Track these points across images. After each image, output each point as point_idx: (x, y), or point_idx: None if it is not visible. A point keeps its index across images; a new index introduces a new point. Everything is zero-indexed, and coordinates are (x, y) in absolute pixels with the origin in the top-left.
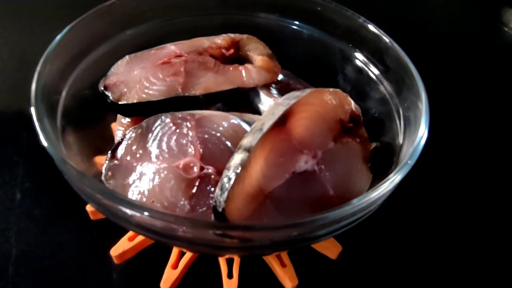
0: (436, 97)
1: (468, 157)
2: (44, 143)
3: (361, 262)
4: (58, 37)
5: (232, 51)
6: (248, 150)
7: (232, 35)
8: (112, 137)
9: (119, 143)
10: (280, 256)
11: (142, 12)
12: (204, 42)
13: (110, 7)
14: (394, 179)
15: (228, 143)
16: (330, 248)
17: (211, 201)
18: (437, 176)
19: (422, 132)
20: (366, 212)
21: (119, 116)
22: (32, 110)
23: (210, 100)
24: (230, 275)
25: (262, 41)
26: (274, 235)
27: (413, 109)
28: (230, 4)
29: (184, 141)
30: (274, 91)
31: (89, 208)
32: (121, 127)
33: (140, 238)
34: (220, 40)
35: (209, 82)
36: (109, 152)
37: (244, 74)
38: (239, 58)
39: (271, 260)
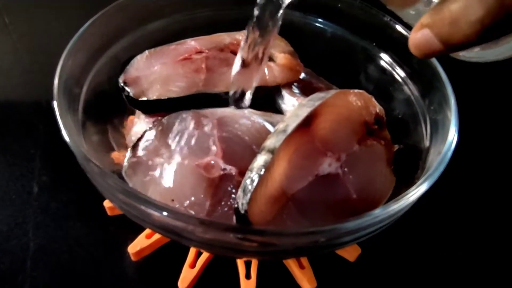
0: (461, 99)
1: (496, 162)
2: (67, 139)
3: (380, 265)
4: (80, 31)
5: None
6: (272, 151)
7: None
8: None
9: (140, 139)
10: (299, 258)
11: (161, 7)
12: (225, 38)
13: (130, 1)
14: (424, 185)
15: (251, 143)
16: (349, 251)
17: (232, 202)
18: (463, 181)
19: (452, 137)
20: (393, 219)
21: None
22: (55, 105)
23: None
24: (248, 276)
25: (283, 38)
26: (296, 241)
27: (441, 112)
28: None
29: (206, 140)
30: (296, 90)
31: (106, 203)
32: (140, 121)
33: (157, 235)
34: (241, 36)
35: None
36: (130, 148)
37: (266, 72)
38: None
39: (290, 262)
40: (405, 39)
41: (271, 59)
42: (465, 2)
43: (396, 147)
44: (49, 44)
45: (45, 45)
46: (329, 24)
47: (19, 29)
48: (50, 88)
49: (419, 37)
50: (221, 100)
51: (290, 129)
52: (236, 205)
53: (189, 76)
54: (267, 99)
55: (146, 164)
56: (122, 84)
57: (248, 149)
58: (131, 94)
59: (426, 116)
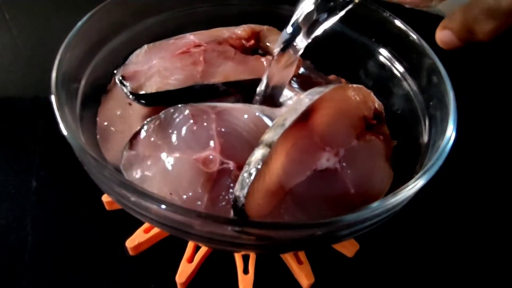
0: (460, 95)
1: (494, 157)
2: (64, 132)
3: (378, 261)
4: (79, 24)
5: (252, 42)
6: (270, 145)
7: (252, 25)
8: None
9: (137, 133)
10: (297, 253)
11: (160, 2)
12: (224, 32)
13: None
14: (422, 179)
15: (249, 138)
16: (347, 246)
17: (230, 196)
18: (461, 176)
19: (450, 132)
20: (391, 213)
21: None
22: (53, 98)
23: (229, 89)
24: (245, 271)
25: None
26: (294, 234)
27: (439, 107)
28: None
29: (204, 134)
30: (295, 85)
31: (104, 198)
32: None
33: (155, 230)
34: (240, 30)
35: (229, 70)
36: (128, 142)
37: (265, 65)
38: (259, 49)
39: (288, 257)
40: (404, 34)
41: (269, 53)
42: (480, 16)
43: (395, 142)
44: (48, 39)
45: (44, 40)
46: None
47: (19, 24)
48: (49, 83)
49: (443, 35)
50: (218, 91)
51: (288, 123)
52: (233, 199)
53: (187, 69)
54: None
55: (144, 157)
56: (120, 79)
57: (246, 143)
58: (129, 88)
59: (425, 112)
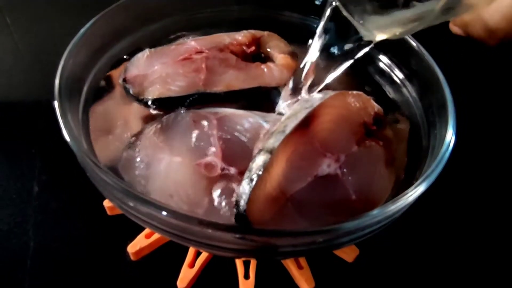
0: (461, 100)
1: (495, 162)
2: (67, 138)
3: (378, 266)
4: (81, 31)
5: (253, 48)
6: (271, 152)
7: (253, 31)
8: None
9: (138, 135)
10: (297, 258)
11: (162, 7)
12: (224, 38)
13: (132, 2)
14: (422, 185)
15: (250, 144)
16: (347, 252)
17: (232, 202)
18: (461, 182)
19: (450, 138)
20: (391, 220)
21: None
22: (56, 105)
23: (231, 98)
24: (246, 276)
25: (283, 39)
26: (295, 241)
27: (439, 113)
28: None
29: (206, 140)
30: None
31: (106, 203)
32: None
33: (157, 235)
34: (241, 36)
35: (231, 79)
36: (128, 143)
37: (266, 72)
38: (260, 55)
39: (288, 262)
40: (403, 41)
41: (270, 59)
42: (482, 33)
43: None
44: (50, 44)
45: (46, 45)
46: None
47: (20, 28)
48: (51, 88)
49: (455, 29)
50: (220, 99)
51: (288, 129)
52: (235, 205)
53: (189, 75)
54: (266, 100)
55: (144, 160)
56: (122, 82)
57: (247, 149)
58: (131, 92)
59: (424, 118)
